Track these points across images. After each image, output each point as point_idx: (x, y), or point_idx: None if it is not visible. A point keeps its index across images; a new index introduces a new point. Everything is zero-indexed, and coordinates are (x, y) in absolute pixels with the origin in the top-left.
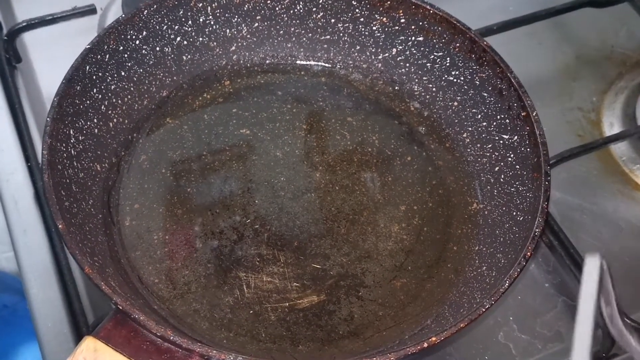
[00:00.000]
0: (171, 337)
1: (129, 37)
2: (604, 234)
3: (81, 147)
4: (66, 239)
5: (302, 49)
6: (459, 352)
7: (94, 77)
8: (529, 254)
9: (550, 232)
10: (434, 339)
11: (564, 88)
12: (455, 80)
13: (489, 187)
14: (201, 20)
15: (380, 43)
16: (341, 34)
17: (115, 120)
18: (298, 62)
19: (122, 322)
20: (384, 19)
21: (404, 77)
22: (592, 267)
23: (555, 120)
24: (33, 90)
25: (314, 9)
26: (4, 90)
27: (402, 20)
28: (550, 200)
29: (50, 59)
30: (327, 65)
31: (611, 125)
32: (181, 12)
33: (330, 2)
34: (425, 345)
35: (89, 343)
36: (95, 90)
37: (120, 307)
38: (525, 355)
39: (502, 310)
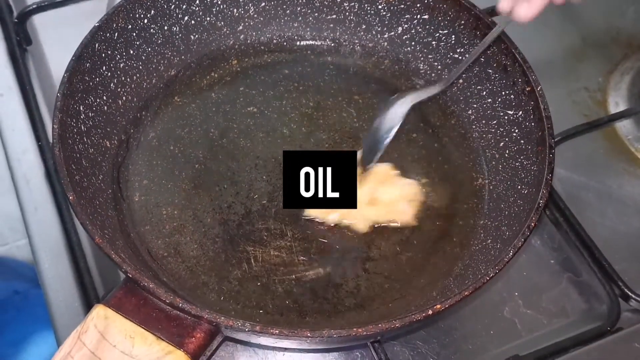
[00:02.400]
0: (180, 304)
1: (137, 15)
2: (609, 212)
3: (91, 123)
4: (77, 210)
5: (308, 29)
6: (465, 327)
7: (103, 54)
8: (533, 224)
9: (555, 209)
10: (438, 306)
11: (570, 69)
12: (460, 57)
13: (494, 162)
14: None
15: (386, 22)
16: (347, 13)
17: (124, 98)
18: (304, 41)
19: (132, 291)
20: None
21: (410, 56)
22: None
23: (562, 100)
24: (43, 72)
25: None
26: (15, 72)
27: None
28: (556, 178)
29: (60, 41)
30: (333, 44)
31: (617, 104)
32: None
33: None
34: (430, 312)
35: (100, 311)
36: (104, 68)
37: (131, 276)
38: (530, 331)
39: (508, 286)
